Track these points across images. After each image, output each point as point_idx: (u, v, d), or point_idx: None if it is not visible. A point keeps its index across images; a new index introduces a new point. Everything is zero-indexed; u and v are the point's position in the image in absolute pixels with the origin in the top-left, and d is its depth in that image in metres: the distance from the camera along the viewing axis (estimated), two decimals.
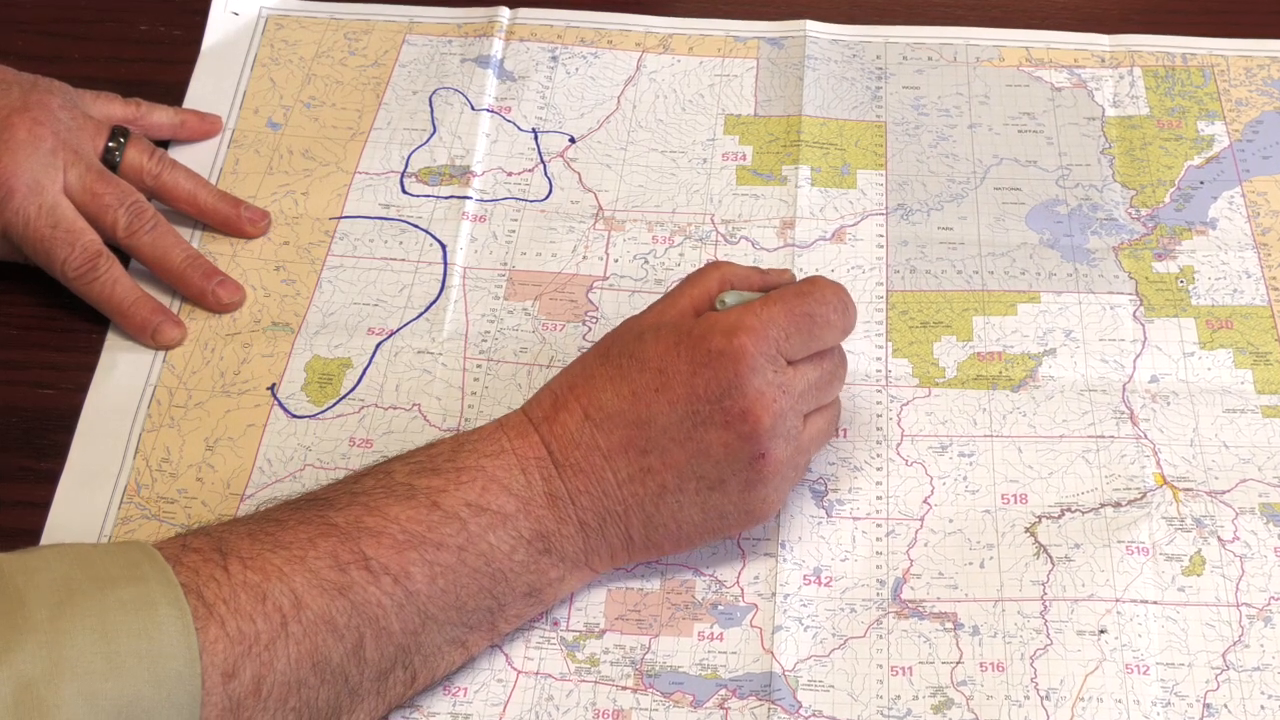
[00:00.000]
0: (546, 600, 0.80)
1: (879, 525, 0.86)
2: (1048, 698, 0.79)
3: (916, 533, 0.86)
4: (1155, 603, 0.83)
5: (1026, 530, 0.86)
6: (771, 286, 0.84)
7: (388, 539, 0.73)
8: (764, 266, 0.88)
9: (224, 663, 0.68)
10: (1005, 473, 0.88)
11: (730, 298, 0.82)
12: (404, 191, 1.04)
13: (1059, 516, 0.86)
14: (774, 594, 0.83)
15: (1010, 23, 1.15)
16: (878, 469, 0.89)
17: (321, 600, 0.71)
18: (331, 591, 0.71)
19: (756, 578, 0.84)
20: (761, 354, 0.77)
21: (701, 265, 0.87)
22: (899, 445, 0.90)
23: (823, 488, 0.88)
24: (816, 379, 0.81)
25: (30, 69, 1.00)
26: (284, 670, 0.69)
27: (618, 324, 0.83)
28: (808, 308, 0.80)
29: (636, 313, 0.84)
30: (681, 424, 0.77)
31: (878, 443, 0.90)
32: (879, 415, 0.91)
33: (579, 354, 0.93)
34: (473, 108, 1.09)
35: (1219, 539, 0.85)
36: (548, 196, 1.04)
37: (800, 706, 0.79)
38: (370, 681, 0.73)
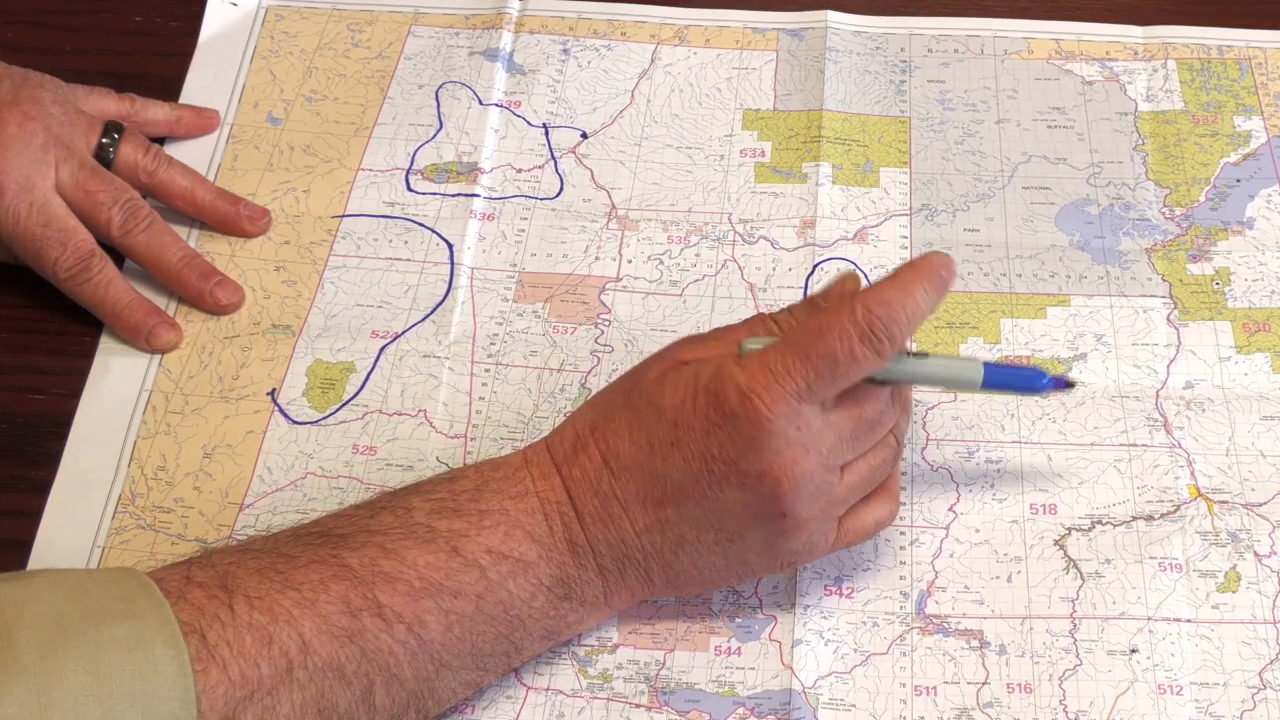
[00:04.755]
0: (563, 639, 0.80)
1: (903, 533, 0.87)
2: None
3: (942, 542, 0.86)
4: (1189, 621, 0.83)
5: (1055, 543, 0.86)
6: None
7: (403, 585, 0.73)
8: (816, 291, 0.83)
9: (224, 707, 0.67)
10: (1034, 481, 0.89)
11: (755, 344, 0.77)
12: (409, 189, 1.04)
13: (1089, 529, 0.87)
14: (794, 605, 0.84)
15: (1039, 14, 1.16)
16: (902, 472, 0.89)
17: (330, 646, 0.71)
18: (341, 638, 0.71)
19: (775, 587, 0.84)
20: (780, 414, 0.74)
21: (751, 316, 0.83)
22: (924, 449, 0.90)
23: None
24: (852, 429, 0.77)
25: (21, 62, 1.01)
26: (288, 717, 0.69)
27: (668, 343, 0.81)
28: (826, 348, 0.74)
29: (690, 336, 0.81)
30: (697, 482, 0.76)
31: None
32: None
33: (591, 357, 0.94)
34: (481, 102, 1.09)
35: (1255, 554, 0.86)
36: (559, 194, 1.04)
37: None
38: None
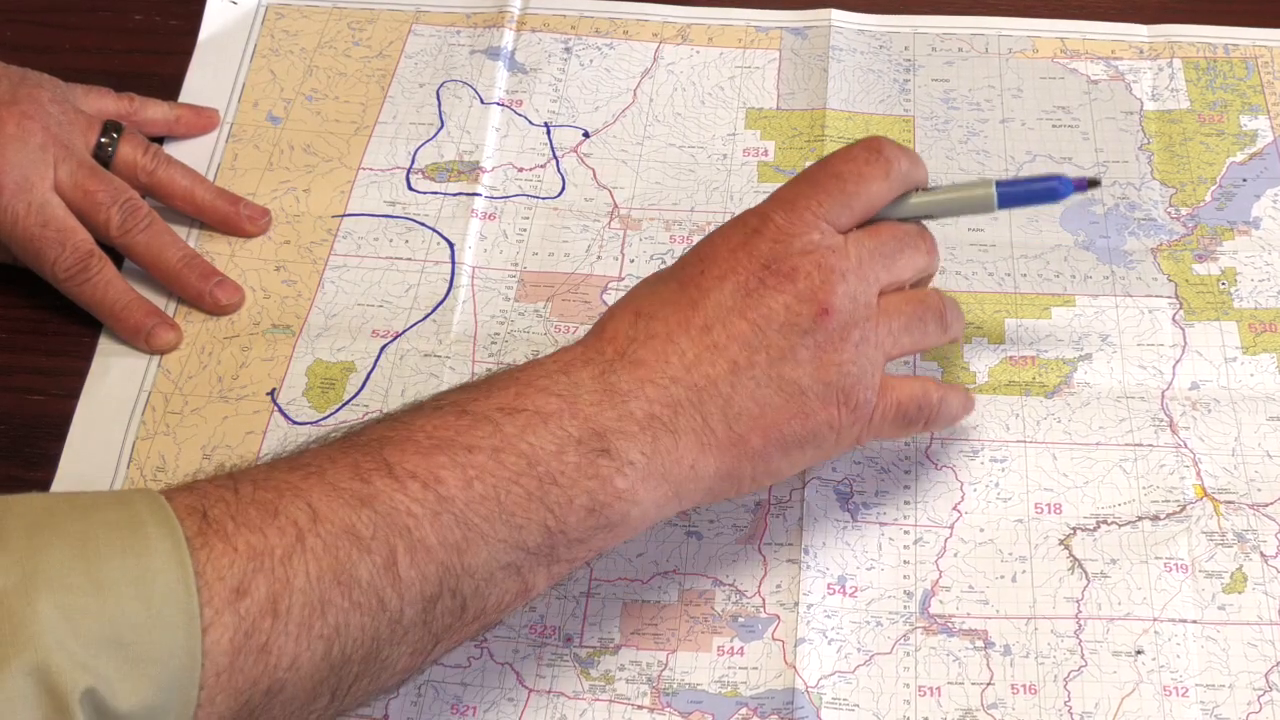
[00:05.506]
0: (614, 521, 0.73)
1: (906, 532, 0.87)
2: None
3: (946, 542, 0.87)
4: (1195, 622, 0.83)
5: (1060, 543, 0.86)
6: None
7: (412, 446, 0.70)
8: None
9: (231, 577, 0.64)
10: (1039, 480, 0.89)
11: None
12: (410, 188, 1.05)
13: (1094, 529, 0.87)
14: (796, 604, 0.84)
15: (1044, 12, 1.16)
16: (905, 471, 0.90)
17: (343, 511, 0.67)
18: (353, 502, 0.67)
19: (779, 586, 0.85)
20: (798, 221, 0.77)
21: None
22: (928, 448, 0.90)
23: (848, 489, 0.89)
24: (874, 247, 0.79)
25: (20, 61, 1.01)
26: (304, 588, 0.65)
27: None
28: (833, 168, 0.80)
29: None
30: (735, 295, 0.76)
31: (905, 443, 0.91)
32: None
33: None
34: (482, 101, 1.10)
35: (1261, 554, 0.86)
36: (560, 193, 1.05)
37: None
38: (413, 609, 0.68)
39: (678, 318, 0.76)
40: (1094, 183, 0.84)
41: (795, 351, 0.76)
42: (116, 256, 0.99)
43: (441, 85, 1.11)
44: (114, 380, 0.95)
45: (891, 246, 0.80)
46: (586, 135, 1.08)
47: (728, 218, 1.01)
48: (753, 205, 0.97)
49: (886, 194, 0.81)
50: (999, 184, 0.83)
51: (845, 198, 0.79)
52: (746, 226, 0.78)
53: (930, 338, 0.83)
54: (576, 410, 0.73)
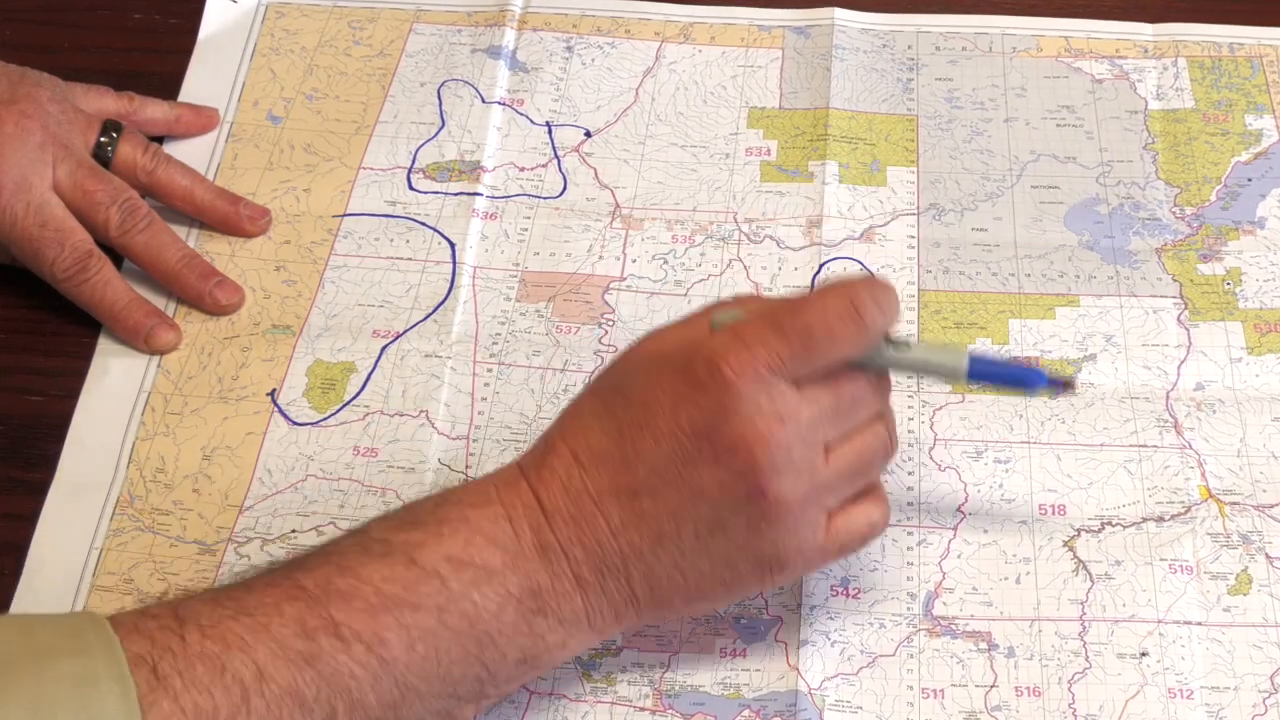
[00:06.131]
0: (541, 665, 0.75)
1: (910, 534, 0.87)
2: None
3: (949, 543, 0.87)
4: (1199, 624, 0.83)
5: (1065, 544, 0.86)
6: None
7: (359, 602, 0.70)
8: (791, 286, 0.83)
9: None
10: (1043, 481, 0.89)
11: (726, 315, 0.76)
12: (411, 188, 1.05)
13: (1099, 530, 0.87)
14: (799, 605, 0.84)
15: (1049, 11, 1.16)
16: (909, 473, 0.89)
17: (287, 672, 0.68)
18: (298, 662, 0.68)
19: (781, 588, 0.85)
20: (749, 381, 0.72)
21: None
22: (931, 449, 0.90)
23: None
24: (832, 405, 0.75)
25: (20, 60, 1.01)
26: None
27: (626, 347, 0.80)
28: (804, 320, 0.74)
29: (654, 328, 0.79)
30: (670, 462, 0.73)
31: (909, 444, 0.91)
32: (910, 419, 0.92)
33: (594, 357, 0.95)
34: (483, 100, 1.10)
35: (1266, 556, 0.86)
36: (562, 193, 1.05)
37: None
38: None
39: (609, 478, 0.74)
40: (1069, 385, 0.80)
41: (727, 526, 0.74)
42: (116, 257, 0.99)
43: (442, 84, 1.11)
44: (114, 380, 0.95)
45: (847, 404, 0.76)
46: (588, 134, 1.08)
47: (729, 218, 1.02)
48: (754, 206, 0.97)
49: (854, 354, 0.75)
50: (973, 359, 0.78)
51: (809, 355, 0.74)
52: (693, 374, 0.73)
53: (874, 477, 0.79)
54: (518, 567, 0.73)
